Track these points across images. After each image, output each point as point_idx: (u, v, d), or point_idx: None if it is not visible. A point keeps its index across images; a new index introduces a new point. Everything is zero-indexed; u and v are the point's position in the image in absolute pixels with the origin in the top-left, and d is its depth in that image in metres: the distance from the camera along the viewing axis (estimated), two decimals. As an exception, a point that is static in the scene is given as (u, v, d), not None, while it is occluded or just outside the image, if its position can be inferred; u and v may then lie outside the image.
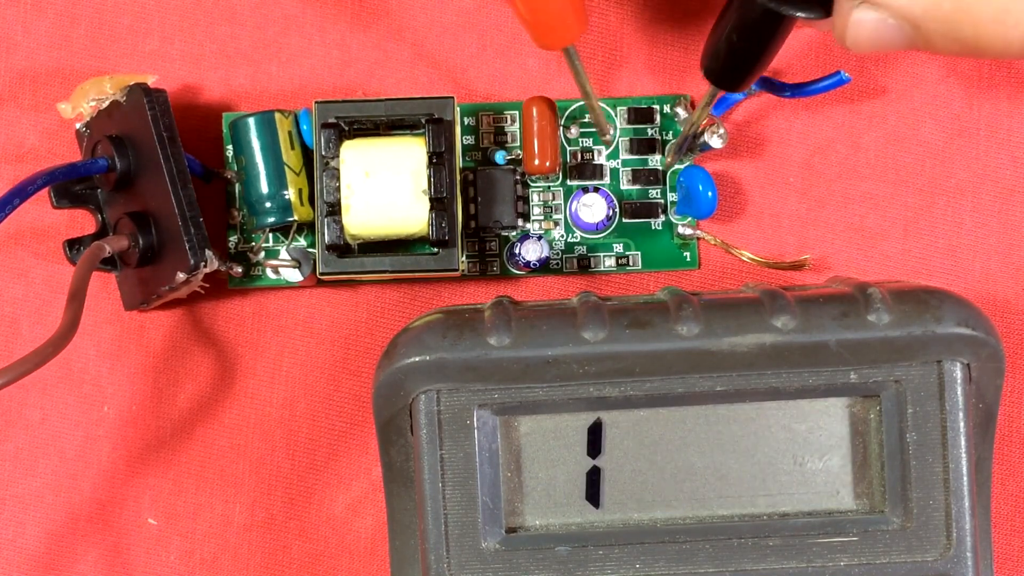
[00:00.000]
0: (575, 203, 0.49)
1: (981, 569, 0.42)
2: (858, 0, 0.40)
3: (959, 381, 0.41)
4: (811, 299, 0.42)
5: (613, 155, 0.49)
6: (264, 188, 0.48)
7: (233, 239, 0.49)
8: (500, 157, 0.49)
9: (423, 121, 0.47)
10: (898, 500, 0.42)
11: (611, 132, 0.49)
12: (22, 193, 0.45)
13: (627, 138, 0.50)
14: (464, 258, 0.49)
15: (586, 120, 0.49)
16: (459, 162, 0.48)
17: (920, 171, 0.50)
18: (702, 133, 0.48)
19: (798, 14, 0.41)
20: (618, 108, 0.50)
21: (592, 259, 0.50)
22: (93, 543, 0.50)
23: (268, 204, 0.48)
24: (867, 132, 0.50)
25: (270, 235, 0.49)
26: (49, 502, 0.50)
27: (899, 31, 0.40)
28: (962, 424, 0.41)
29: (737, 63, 0.44)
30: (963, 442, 0.41)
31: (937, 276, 0.49)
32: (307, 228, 0.49)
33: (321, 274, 0.47)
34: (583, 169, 0.49)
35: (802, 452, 0.42)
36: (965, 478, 0.41)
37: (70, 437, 0.50)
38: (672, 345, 0.41)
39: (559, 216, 0.50)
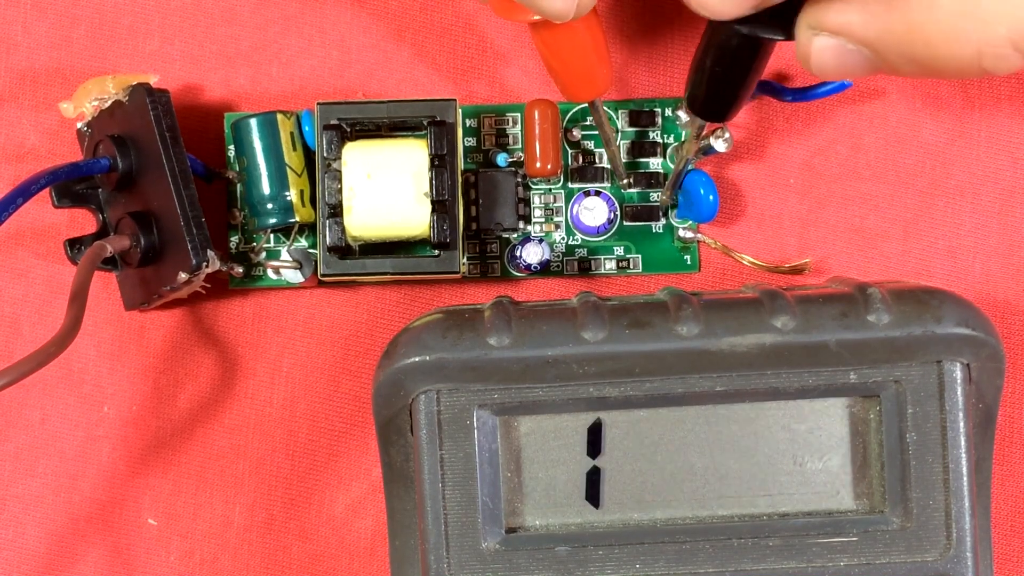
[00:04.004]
0: (576, 206, 0.49)
1: (981, 569, 0.42)
2: (816, 29, 0.41)
3: (959, 381, 0.41)
4: (811, 299, 0.42)
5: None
6: (266, 189, 0.48)
7: (234, 239, 0.49)
8: (502, 159, 0.49)
9: (425, 123, 0.47)
10: (898, 500, 0.42)
11: (627, 178, 0.49)
12: (26, 192, 0.45)
13: (628, 141, 0.50)
14: (465, 260, 0.49)
15: (588, 123, 0.50)
16: (461, 164, 0.48)
17: (920, 172, 0.50)
18: (706, 138, 0.48)
19: (764, 35, 0.42)
20: (619, 111, 0.50)
21: (592, 262, 0.50)
22: (93, 543, 0.49)
23: (270, 205, 0.48)
24: (867, 133, 0.50)
25: (271, 236, 0.49)
26: (49, 502, 0.50)
27: (860, 55, 0.41)
28: (962, 424, 0.41)
29: (718, 90, 0.44)
30: (963, 442, 0.41)
31: (937, 277, 0.49)
32: (308, 229, 0.49)
33: (322, 275, 0.47)
34: (584, 172, 0.49)
35: (802, 452, 0.42)
36: (965, 478, 0.41)
37: (70, 437, 0.50)
38: (672, 345, 0.41)
39: (560, 219, 0.50)
